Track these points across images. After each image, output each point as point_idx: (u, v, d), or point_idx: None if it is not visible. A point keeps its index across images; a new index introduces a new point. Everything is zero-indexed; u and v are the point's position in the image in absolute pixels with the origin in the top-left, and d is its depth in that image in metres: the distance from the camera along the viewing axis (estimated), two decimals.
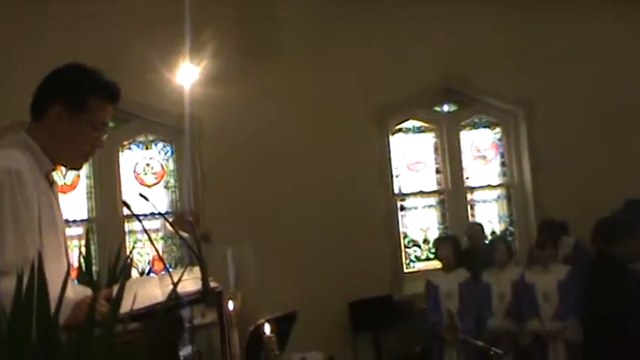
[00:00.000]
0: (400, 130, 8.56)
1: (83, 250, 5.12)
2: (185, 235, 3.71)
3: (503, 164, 8.94)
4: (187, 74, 5.83)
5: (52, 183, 2.55)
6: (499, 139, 8.96)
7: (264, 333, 2.94)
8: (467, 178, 8.74)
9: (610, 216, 6.14)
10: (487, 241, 7.95)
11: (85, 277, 4.73)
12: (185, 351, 2.91)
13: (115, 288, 2.20)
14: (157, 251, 7.36)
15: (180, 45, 5.64)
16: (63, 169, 5.46)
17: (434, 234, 8.45)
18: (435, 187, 8.66)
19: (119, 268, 4.62)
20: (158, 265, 7.36)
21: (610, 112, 8.70)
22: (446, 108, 8.77)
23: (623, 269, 5.22)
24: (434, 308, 6.87)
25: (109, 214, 7.30)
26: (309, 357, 3.92)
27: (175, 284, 2.13)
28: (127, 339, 1.88)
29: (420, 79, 8.20)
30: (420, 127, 8.68)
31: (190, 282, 2.59)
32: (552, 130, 8.59)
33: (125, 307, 1.96)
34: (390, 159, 8.28)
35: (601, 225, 5.94)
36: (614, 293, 4.96)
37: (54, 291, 1.65)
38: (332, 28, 7.88)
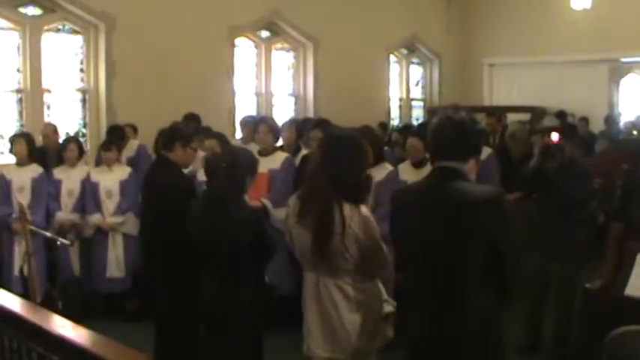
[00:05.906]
0: None
1: None
2: None
3: (81, 70, 9.24)
4: None
5: None
6: (80, 47, 9.20)
7: None
8: (46, 80, 8.86)
9: (170, 126, 6.12)
10: (60, 141, 8.07)
11: None
12: None
13: None
14: None
15: None
16: None
17: (11, 131, 8.35)
18: (15, 86, 8.63)
19: None
20: None
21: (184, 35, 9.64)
22: (30, 11, 8.69)
23: (179, 170, 5.48)
24: (6, 201, 6.92)
25: None
26: None
27: None
28: None
29: None
30: (4, 26, 8.53)
31: None
32: (130, 43, 9.10)
33: None
34: None
35: (162, 133, 6.09)
36: (168, 188, 5.18)
37: None
38: None
